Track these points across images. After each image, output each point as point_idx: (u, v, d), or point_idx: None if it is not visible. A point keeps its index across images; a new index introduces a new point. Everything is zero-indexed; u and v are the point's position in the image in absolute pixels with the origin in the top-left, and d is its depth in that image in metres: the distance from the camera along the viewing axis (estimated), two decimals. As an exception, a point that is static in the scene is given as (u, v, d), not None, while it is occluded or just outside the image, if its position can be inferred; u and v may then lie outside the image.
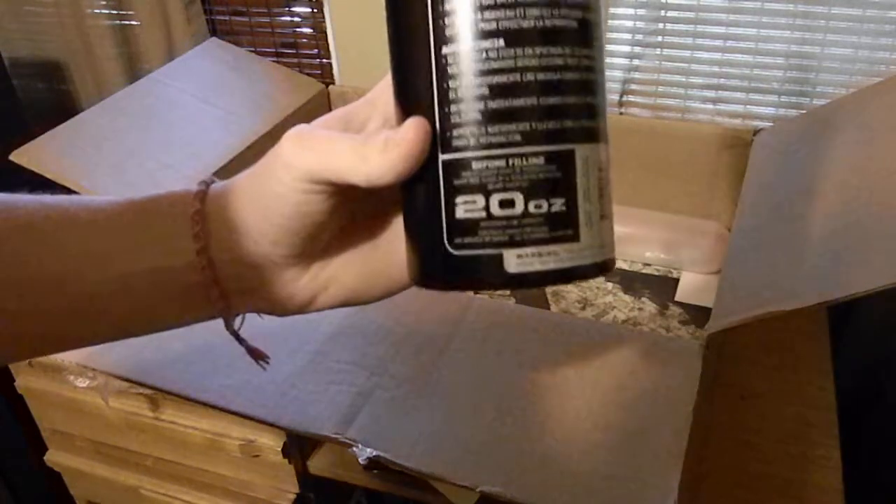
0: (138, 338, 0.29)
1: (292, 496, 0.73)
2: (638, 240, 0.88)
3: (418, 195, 0.24)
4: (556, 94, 0.23)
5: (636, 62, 0.93)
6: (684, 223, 0.89)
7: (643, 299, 0.83)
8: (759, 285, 0.52)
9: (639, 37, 0.91)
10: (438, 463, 0.49)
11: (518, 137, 0.22)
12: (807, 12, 0.83)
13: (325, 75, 1.09)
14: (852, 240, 0.50)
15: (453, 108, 0.23)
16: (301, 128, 0.25)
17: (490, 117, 0.22)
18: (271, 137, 0.90)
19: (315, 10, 1.06)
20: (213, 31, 1.12)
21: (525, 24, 0.22)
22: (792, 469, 0.60)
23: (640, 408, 0.53)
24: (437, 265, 0.24)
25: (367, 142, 0.23)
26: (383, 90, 0.26)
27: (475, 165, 0.23)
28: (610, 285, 0.86)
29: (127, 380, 0.58)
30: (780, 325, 0.73)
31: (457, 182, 0.23)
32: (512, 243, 0.23)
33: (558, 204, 0.23)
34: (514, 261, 0.23)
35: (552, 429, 0.52)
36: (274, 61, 1.08)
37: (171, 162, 0.82)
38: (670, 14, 0.88)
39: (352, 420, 0.53)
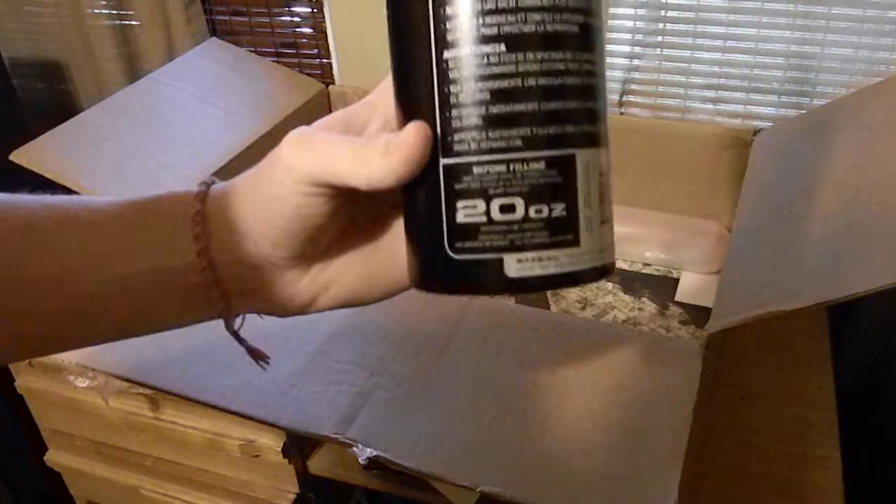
0: (138, 338, 0.29)
1: (292, 496, 0.73)
2: (638, 240, 0.88)
3: (419, 199, 0.24)
4: (558, 99, 0.23)
5: (636, 62, 0.93)
6: (684, 223, 0.89)
7: (643, 299, 0.83)
8: (759, 285, 0.52)
9: (639, 37, 0.91)
10: (438, 463, 0.49)
11: (519, 142, 0.22)
12: (807, 12, 0.83)
13: (325, 75, 1.09)
14: (852, 240, 0.50)
15: (454, 112, 0.23)
16: (301, 130, 0.25)
17: (491, 122, 0.22)
18: (271, 137, 0.90)
19: (315, 10, 1.06)
20: (213, 31, 1.12)
21: (526, 29, 0.22)
22: (792, 469, 0.60)
23: (640, 408, 0.53)
24: (438, 269, 0.24)
25: (367, 145, 0.23)
26: (384, 92, 0.26)
27: (476, 170, 0.23)
28: (610, 285, 0.86)
29: (127, 380, 0.58)
30: (780, 325, 0.73)
31: (457, 186, 0.23)
32: (512, 248, 0.23)
33: (559, 209, 0.23)
34: (515, 265, 0.23)
35: (552, 429, 0.52)
36: (274, 61, 1.08)
37: (171, 162, 0.82)
38: (670, 14, 0.88)
39: (352, 420, 0.53)
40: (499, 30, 0.22)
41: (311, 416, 0.53)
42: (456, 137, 0.23)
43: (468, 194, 0.23)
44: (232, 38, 1.10)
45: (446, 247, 0.23)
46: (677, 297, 0.83)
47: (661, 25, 0.90)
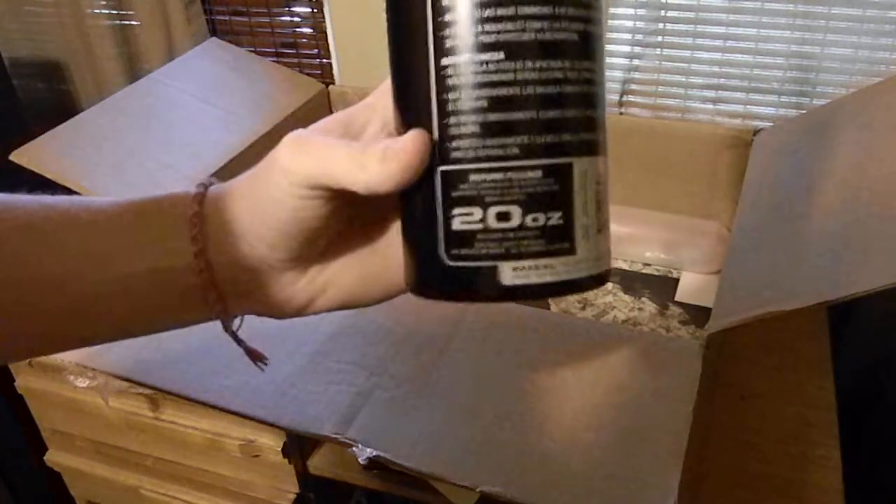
0: (138, 338, 0.29)
1: (292, 496, 0.73)
2: (638, 240, 0.88)
3: (415, 205, 0.24)
4: (556, 107, 0.22)
5: (636, 62, 0.93)
6: (684, 223, 0.89)
7: (643, 299, 0.83)
8: (759, 285, 0.52)
9: (639, 37, 0.91)
10: (438, 463, 0.49)
11: (516, 150, 0.22)
12: (807, 12, 0.83)
13: (325, 75, 1.09)
14: (852, 240, 0.50)
15: (452, 119, 0.22)
16: (299, 133, 0.25)
17: (488, 130, 0.22)
18: (271, 137, 0.90)
19: (315, 10, 1.06)
20: (213, 31, 1.12)
21: (525, 37, 0.22)
22: (792, 469, 0.60)
23: (640, 408, 0.53)
24: (433, 275, 0.24)
25: (366, 150, 0.23)
26: (383, 94, 0.26)
27: (473, 177, 0.22)
28: (610, 285, 0.86)
29: (127, 380, 0.58)
30: (780, 325, 0.73)
31: (454, 193, 0.23)
32: (508, 256, 0.23)
33: (555, 217, 0.23)
34: (511, 273, 0.23)
35: (552, 429, 0.52)
36: (274, 61, 1.08)
37: (171, 162, 0.82)
38: (670, 14, 0.88)
39: (351, 420, 0.53)
40: (498, 37, 0.22)
41: (310, 416, 0.53)
42: (453, 144, 0.23)
43: (465, 201, 0.23)
44: (232, 38, 1.10)
45: (442, 253, 0.23)
46: (677, 297, 0.83)
47: (661, 25, 0.90)
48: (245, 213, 0.26)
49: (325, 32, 1.05)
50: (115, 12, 1.13)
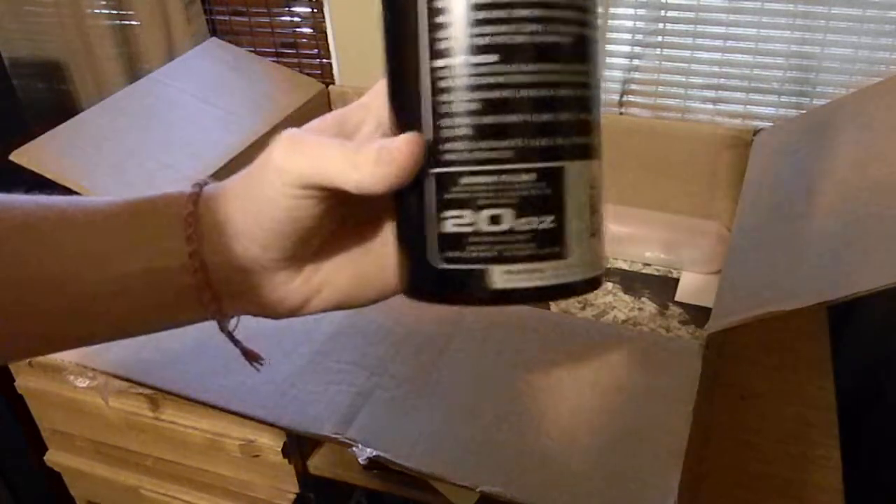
0: (138, 337, 0.29)
1: (292, 496, 0.73)
2: (638, 240, 0.88)
3: (408, 207, 0.24)
4: (549, 110, 0.22)
5: (636, 62, 0.93)
6: (684, 223, 0.89)
7: (643, 299, 0.83)
8: (759, 285, 0.52)
9: (639, 37, 0.91)
10: (438, 463, 0.49)
11: (510, 154, 0.22)
12: (807, 12, 0.83)
13: (325, 75, 1.09)
14: (852, 239, 0.50)
15: (445, 121, 0.22)
16: (293, 132, 0.25)
17: (481, 132, 0.22)
18: (271, 137, 0.90)
19: (315, 10, 1.06)
20: (213, 31, 1.12)
21: (519, 39, 0.22)
22: (792, 469, 0.60)
23: (640, 408, 0.53)
24: (425, 278, 0.24)
25: (359, 149, 0.23)
26: (378, 94, 0.26)
27: (465, 180, 0.22)
28: (610, 285, 0.86)
29: (127, 380, 0.58)
30: (780, 325, 0.73)
31: (446, 196, 0.23)
32: (500, 259, 0.23)
33: (548, 221, 0.23)
34: (502, 277, 0.23)
35: (552, 429, 0.52)
36: (274, 61, 1.08)
37: (171, 162, 0.82)
38: (670, 14, 0.88)
39: (352, 420, 0.53)
40: (492, 40, 0.22)
41: (310, 416, 0.53)
42: (446, 147, 0.22)
43: (457, 204, 0.23)
44: (232, 38, 1.10)
45: (434, 256, 0.23)
46: (677, 297, 0.83)
47: (661, 25, 0.90)
48: (239, 212, 0.26)
49: (325, 32, 1.05)
50: (115, 12, 1.13)
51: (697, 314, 0.80)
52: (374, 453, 0.50)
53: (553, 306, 0.82)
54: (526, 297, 0.23)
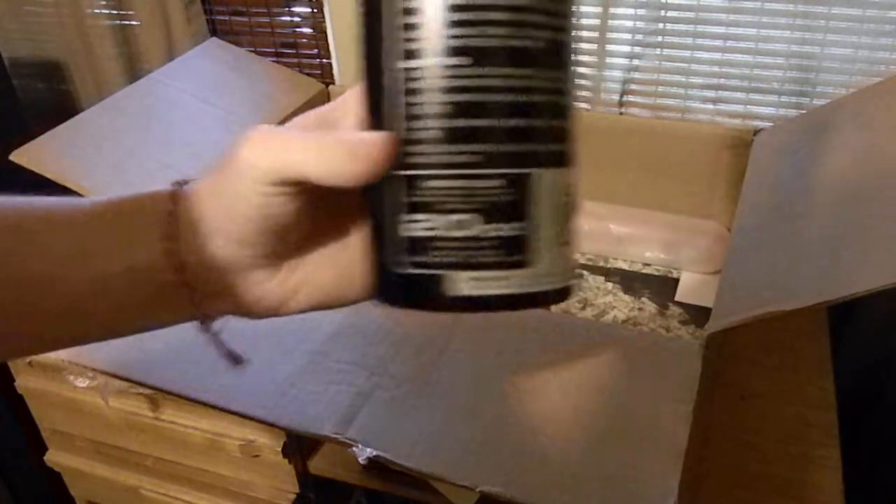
0: (138, 336, 0.29)
1: (292, 496, 0.73)
2: (638, 240, 0.88)
3: (376, 210, 0.24)
4: (521, 116, 0.22)
5: (636, 62, 0.93)
6: (684, 223, 0.89)
7: (643, 299, 0.83)
8: (759, 285, 0.52)
9: (639, 37, 0.91)
10: (438, 463, 0.49)
11: (479, 158, 0.22)
12: (807, 12, 0.83)
13: (325, 75, 1.09)
14: (852, 240, 0.50)
15: (415, 123, 0.22)
16: (261, 128, 0.24)
17: (451, 135, 0.22)
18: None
19: (315, 10, 1.06)
20: (213, 31, 1.12)
21: (492, 43, 0.21)
22: (792, 469, 0.60)
23: (640, 408, 0.53)
24: (390, 282, 0.24)
25: (335, 142, 0.23)
26: (358, 91, 0.26)
27: (433, 183, 0.22)
28: (610, 285, 0.86)
29: (127, 380, 0.58)
30: (780, 325, 0.73)
31: (414, 199, 0.22)
32: (466, 265, 0.22)
33: (517, 228, 0.22)
34: (468, 283, 0.22)
35: (552, 429, 0.52)
36: (274, 61, 1.08)
37: (171, 162, 0.82)
38: (670, 14, 0.88)
39: (351, 420, 0.53)
40: (464, 42, 0.21)
41: (310, 416, 0.53)
42: (416, 149, 0.22)
43: (424, 207, 0.22)
44: (232, 38, 1.10)
45: (401, 260, 0.23)
46: (677, 297, 0.83)
47: (661, 25, 0.90)
48: (212, 210, 0.26)
49: (325, 32, 1.06)
50: (115, 12, 1.13)
51: (697, 314, 0.80)
52: (374, 453, 0.50)
53: (553, 306, 0.83)
54: (492, 306, 0.22)
